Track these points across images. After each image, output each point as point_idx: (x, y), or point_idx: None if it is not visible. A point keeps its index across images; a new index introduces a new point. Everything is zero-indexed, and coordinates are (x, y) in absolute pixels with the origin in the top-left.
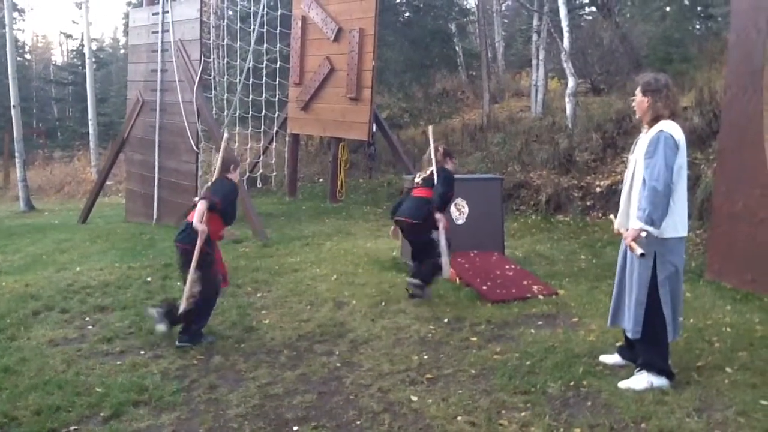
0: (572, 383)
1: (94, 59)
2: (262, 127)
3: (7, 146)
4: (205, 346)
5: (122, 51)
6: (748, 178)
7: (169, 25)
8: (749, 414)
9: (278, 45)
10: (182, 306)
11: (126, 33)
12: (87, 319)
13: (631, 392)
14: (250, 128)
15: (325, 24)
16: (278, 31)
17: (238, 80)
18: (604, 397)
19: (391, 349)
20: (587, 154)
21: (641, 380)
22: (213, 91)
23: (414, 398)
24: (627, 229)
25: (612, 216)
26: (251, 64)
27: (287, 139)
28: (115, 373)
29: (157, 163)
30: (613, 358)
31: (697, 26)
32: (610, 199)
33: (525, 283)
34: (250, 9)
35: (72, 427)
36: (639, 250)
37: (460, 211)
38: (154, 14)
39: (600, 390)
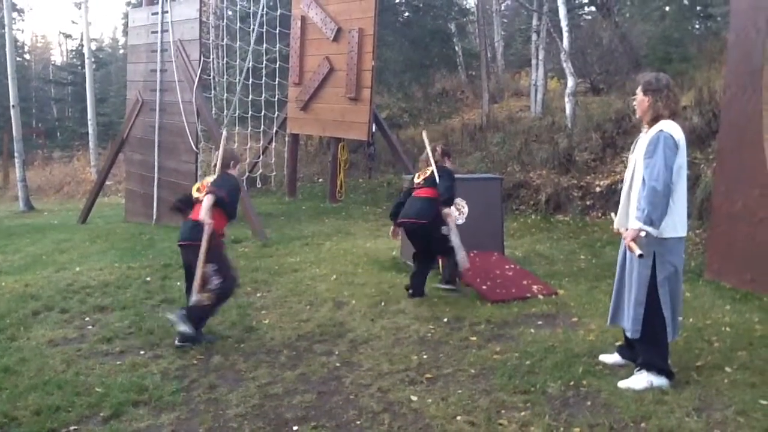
0: (572, 383)
1: (93, 59)
2: (262, 127)
3: (7, 146)
4: (205, 345)
5: (122, 51)
6: (747, 178)
7: (168, 25)
8: (748, 413)
9: (278, 45)
10: (195, 297)
11: (125, 33)
12: (87, 319)
13: (631, 392)
14: (249, 128)
15: (324, 24)
16: (278, 31)
17: (237, 80)
18: (604, 397)
19: (391, 348)
20: (587, 153)
21: (641, 380)
22: (212, 91)
23: (413, 398)
24: (626, 229)
25: (613, 214)
26: (251, 64)
27: (287, 139)
28: (115, 373)
29: (156, 163)
30: (612, 358)
31: (697, 26)
32: (610, 198)
33: (525, 282)
34: (249, 9)
35: (72, 427)
36: (638, 251)
37: (459, 210)
38: (153, 14)
39: (600, 389)
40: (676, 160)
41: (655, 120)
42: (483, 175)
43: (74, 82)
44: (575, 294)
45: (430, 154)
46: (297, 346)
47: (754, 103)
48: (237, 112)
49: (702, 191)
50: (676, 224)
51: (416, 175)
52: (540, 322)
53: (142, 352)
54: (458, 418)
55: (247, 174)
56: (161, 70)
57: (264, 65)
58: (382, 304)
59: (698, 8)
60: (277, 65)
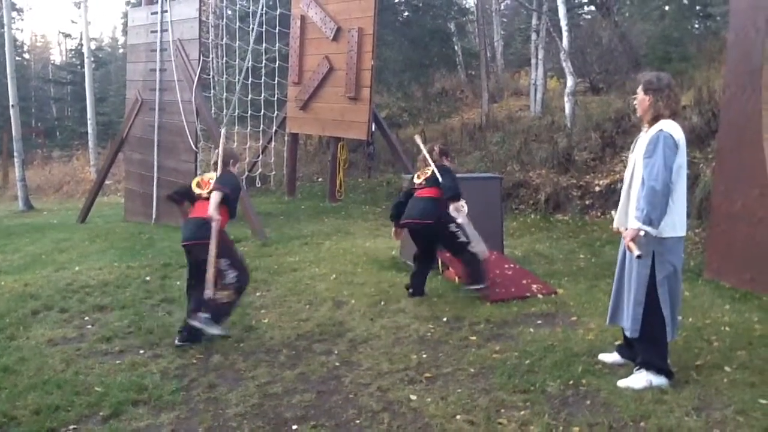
0: (571, 382)
1: (92, 59)
2: (261, 126)
3: (6, 146)
4: (204, 345)
5: (121, 50)
6: (746, 178)
7: (168, 25)
8: (748, 413)
9: (277, 44)
10: (210, 293)
11: (125, 32)
12: (86, 318)
13: (630, 391)
14: (249, 127)
15: (324, 23)
16: (277, 31)
17: (237, 79)
18: (603, 396)
19: (390, 348)
20: (586, 153)
21: (640, 379)
22: (212, 91)
23: (413, 397)
24: (626, 228)
25: (614, 212)
26: (250, 63)
27: (286, 138)
28: (115, 372)
29: (156, 163)
30: (612, 357)
31: (696, 25)
32: (609, 198)
33: (524, 282)
34: (249, 8)
35: (71, 427)
36: (636, 252)
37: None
38: (153, 13)
39: (599, 389)
40: (676, 159)
41: (655, 119)
42: (482, 174)
43: (74, 82)
44: (575, 293)
45: (426, 155)
46: (296, 345)
47: (754, 102)
48: (236, 111)
49: (701, 191)
50: (676, 224)
51: (416, 175)
52: (539, 322)
53: (141, 352)
54: (457, 417)
55: (246, 173)
56: (161, 69)
57: (263, 64)
58: (382, 303)
59: (698, 8)
60: (277, 64)
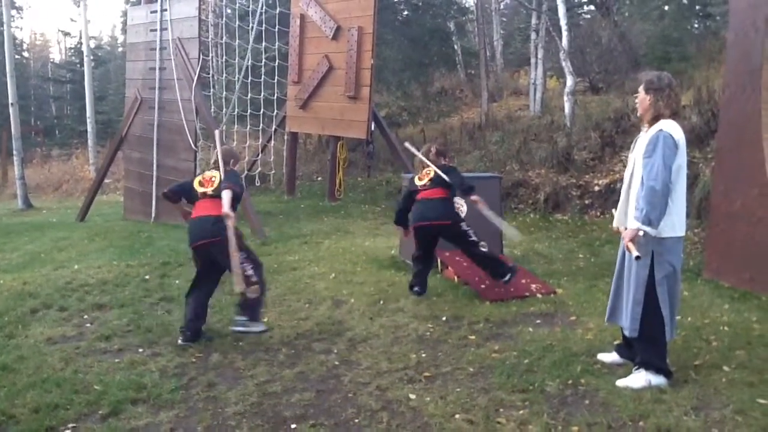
0: (570, 381)
1: (92, 57)
2: (261, 125)
3: (5, 144)
4: (204, 344)
5: (120, 49)
6: (746, 178)
7: (167, 23)
8: (746, 412)
9: (277, 43)
10: (239, 288)
11: (124, 31)
12: (85, 317)
13: (629, 390)
14: (248, 126)
15: (323, 22)
16: (277, 30)
17: (236, 78)
18: (602, 396)
19: (390, 347)
20: (586, 152)
21: (639, 379)
22: (211, 89)
23: (412, 396)
24: (626, 228)
25: (614, 210)
26: (250, 62)
27: (286, 137)
28: (114, 370)
29: (155, 161)
30: (611, 357)
31: (696, 25)
32: (609, 197)
33: (523, 281)
34: (248, 7)
35: (70, 425)
36: (635, 252)
37: (458, 209)
38: (152, 12)
39: (598, 388)
40: (676, 159)
41: (655, 119)
42: (482, 174)
43: (73, 80)
44: (574, 293)
45: (422, 158)
46: (296, 344)
47: (753, 102)
48: (236, 110)
49: (701, 190)
50: (675, 224)
51: (416, 177)
52: (538, 321)
53: (140, 350)
54: (456, 416)
55: (245, 172)
56: (160, 68)
57: (263, 63)
58: (381, 302)
59: (697, 7)
60: (276, 63)
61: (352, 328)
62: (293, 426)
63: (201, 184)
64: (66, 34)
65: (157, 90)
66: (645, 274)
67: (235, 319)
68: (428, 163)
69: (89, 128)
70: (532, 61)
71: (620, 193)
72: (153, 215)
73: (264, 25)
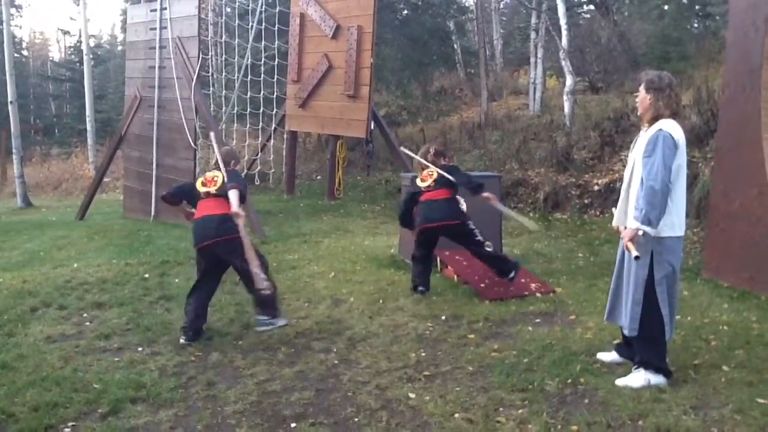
0: (570, 381)
1: (91, 56)
2: (260, 124)
3: (5, 143)
4: (203, 342)
5: (120, 48)
6: (745, 177)
7: (167, 22)
8: (746, 412)
9: (276, 42)
10: (260, 285)
11: (124, 29)
12: (84, 315)
13: (629, 390)
14: (248, 125)
15: (323, 21)
16: (276, 28)
17: (236, 77)
18: (602, 395)
19: (389, 346)
20: (585, 152)
21: (638, 378)
22: (211, 88)
23: (412, 395)
24: (625, 227)
25: (614, 209)
26: (249, 61)
27: (285, 136)
28: (113, 369)
29: (155, 160)
30: (610, 356)
31: (695, 25)
32: (608, 197)
33: (523, 281)
34: (248, 6)
35: (70, 424)
36: (634, 253)
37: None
38: (152, 11)
39: (597, 387)
40: (676, 159)
41: (655, 119)
42: (481, 173)
43: (72, 79)
44: (573, 292)
45: (421, 160)
46: (295, 343)
47: (753, 102)
48: (235, 108)
49: (700, 190)
50: (674, 224)
51: (418, 179)
52: (538, 320)
53: (140, 349)
54: (456, 415)
55: (245, 171)
56: (160, 66)
57: (263, 62)
58: (381, 301)
59: (697, 7)
60: (276, 62)
61: (351, 327)
62: (293, 425)
63: (203, 184)
64: (65, 32)
65: (156, 89)
66: (644, 273)
67: (257, 319)
68: (428, 164)
69: (89, 127)
70: (532, 60)
71: (620, 192)
72: (152, 214)
73: (264, 23)
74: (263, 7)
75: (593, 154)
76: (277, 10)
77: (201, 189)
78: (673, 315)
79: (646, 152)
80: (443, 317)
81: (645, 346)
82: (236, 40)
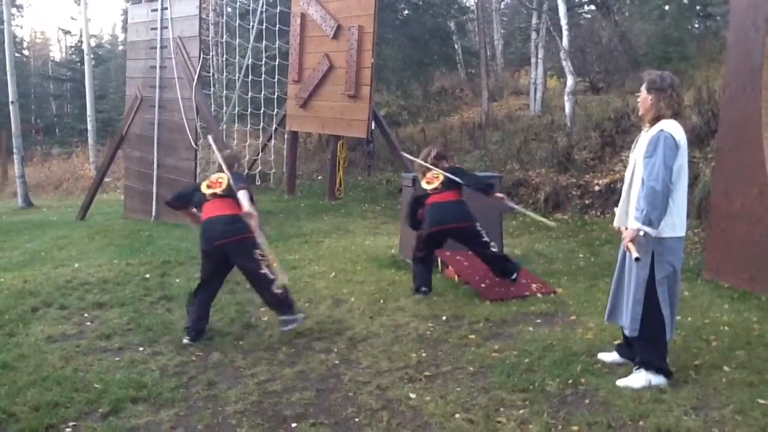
0: (570, 381)
1: (92, 56)
2: (261, 124)
3: (5, 142)
4: (204, 342)
5: (121, 47)
6: (746, 177)
7: (168, 22)
8: (746, 412)
9: (277, 42)
10: (280, 279)
11: (125, 29)
12: (85, 315)
13: (629, 390)
14: (249, 125)
15: (324, 21)
16: (277, 28)
17: (237, 77)
18: (602, 395)
19: (390, 346)
20: (586, 152)
21: (639, 378)
22: (212, 88)
23: (412, 395)
24: (626, 228)
25: (616, 208)
26: (250, 61)
27: (286, 136)
28: (114, 369)
29: (155, 160)
30: (611, 356)
31: (696, 25)
32: (609, 197)
33: (523, 281)
34: (249, 6)
35: (70, 423)
36: (635, 254)
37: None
38: (153, 11)
39: (598, 388)
40: (677, 160)
41: (656, 119)
42: (482, 173)
43: (73, 79)
44: (574, 292)
45: (422, 162)
46: (296, 343)
47: (754, 102)
48: (236, 109)
49: (701, 190)
50: (675, 224)
51: (423, 182)
52: (539, 321)
53: (140, 349)
54: (457, 415)
55: (246, 171)
56: (161, 66)
57: (263, 62)
58: (381, 301)
59: (698, 7)
60: (277, 62)
61: (352, 327)
62: (293, 425)
63: (209, 186)
64: (66, 32)
65: (157, 88)
66: (645, 274)
67: (281, 320)
68: (430, 167)
69: (89, 127)
70: (533, 60)
71: (620, 192)
72: (153, 214)
73: (264, 23)
74: (264, 7)
75: (594, 155)
76: (277, 10)
77: (207, 191)
78: (673, 315)
79: (647, 153)
80: (444, 317)
81: (646, 346)
82: (237, 40)
